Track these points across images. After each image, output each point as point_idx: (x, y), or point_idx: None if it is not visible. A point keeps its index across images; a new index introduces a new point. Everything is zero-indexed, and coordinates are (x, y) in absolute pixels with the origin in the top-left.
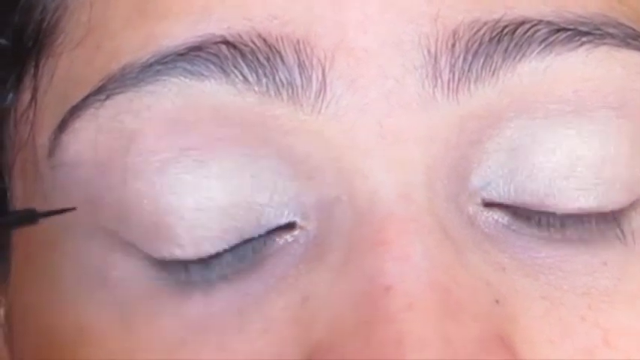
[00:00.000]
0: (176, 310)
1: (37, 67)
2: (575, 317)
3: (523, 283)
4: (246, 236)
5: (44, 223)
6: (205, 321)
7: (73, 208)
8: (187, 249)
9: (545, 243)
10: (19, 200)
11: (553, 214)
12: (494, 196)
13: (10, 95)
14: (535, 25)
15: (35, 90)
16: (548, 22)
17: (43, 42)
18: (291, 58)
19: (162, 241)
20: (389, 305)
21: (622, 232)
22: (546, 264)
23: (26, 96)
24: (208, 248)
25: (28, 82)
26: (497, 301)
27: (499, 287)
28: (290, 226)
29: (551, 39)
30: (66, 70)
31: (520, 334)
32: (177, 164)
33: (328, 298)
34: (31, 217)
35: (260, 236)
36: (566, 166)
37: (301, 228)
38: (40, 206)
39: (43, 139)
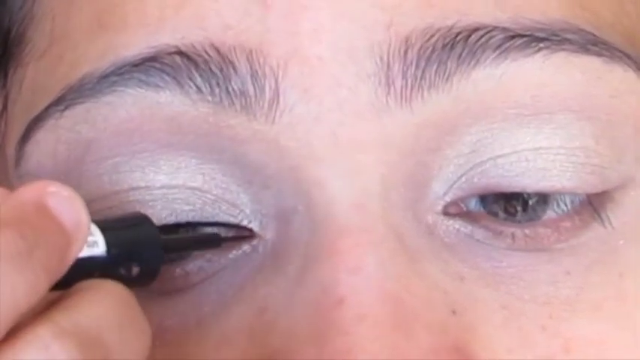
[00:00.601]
0: None
1: (6, 77)
2: (535, 326)
3: (483, 293)
4: (194, 219)
5: None
6: (164, 333)
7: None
8: None
9: (508, 253)
10: None
11: (519, 223)
12: (458, 195)
13: None
14: (490, 31)
15: (6, 99)
16: (504, 29)
17: (12, 51)
18: (243, 67)
19: None
20: (341, 317)
21: (601, 221)
22: (508, 274)
23: None
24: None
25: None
26: (454, 311)
27: (457, 297)
28: (248, 236)
29: (506, 45)
30: (32, 80)
31: (479, 344)
32: (127, 164)
33: (285, 309)
34: (215, 241)
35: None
36: (530, 152)
37: (260, 237)
38: None
39: (11, 149)
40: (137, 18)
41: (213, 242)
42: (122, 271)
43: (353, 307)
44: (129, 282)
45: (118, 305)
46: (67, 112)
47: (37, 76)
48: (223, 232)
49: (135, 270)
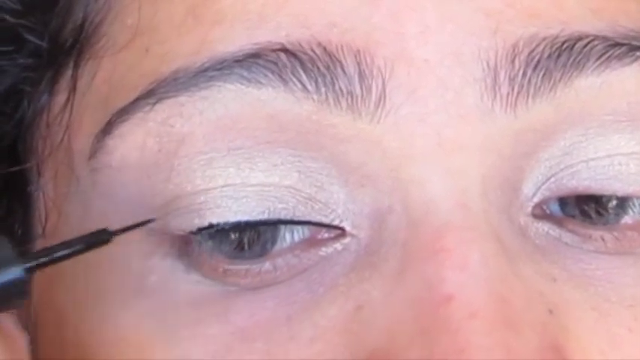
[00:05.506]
0: (220, 316)
1: (76, 69)
2: (622, 328)
3: (573, 294)
4: (285, 217)
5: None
6: (252, 328)
7: (150, 220)
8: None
9: (595, 255)
10: (50, 202)
11: (604, 226)
12: (545, 196)
13: (44, 97)
14: (592, 40)
15: (73, 92)
16: (604, 38)
17: (84, 44)
18: (351, 67)
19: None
20: (451, 314)
21: None
22: (596, 276)
23: (61, 98)
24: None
25: (64, 84)
26: (550, 311)
27: (552, 298)
28: (340, 234)
29: (607, 54)
30: (109, 73)
31: (573, 344)
32: (222, 160)
33: (384, 307)
34: (105, 236)
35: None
36: (624, 156)
37: (352, 236)
38: (75, 210)
39: (82, 142)
40: (235, 13)
41: (101, 239)
42: None
43: (462, 304)
44: None
45: None
46: (158, 106)
47: (116, 70)
48: (314, 231)
49: None
